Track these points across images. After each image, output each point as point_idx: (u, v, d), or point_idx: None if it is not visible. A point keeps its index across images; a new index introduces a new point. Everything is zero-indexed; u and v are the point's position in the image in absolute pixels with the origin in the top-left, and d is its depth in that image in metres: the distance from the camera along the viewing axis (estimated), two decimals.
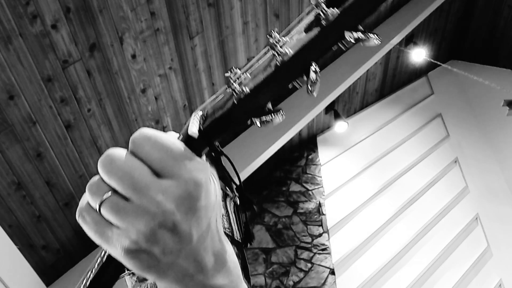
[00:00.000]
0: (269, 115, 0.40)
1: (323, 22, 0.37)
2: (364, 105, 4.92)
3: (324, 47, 0.39)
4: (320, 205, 4.02)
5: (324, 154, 4.43)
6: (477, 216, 3.98)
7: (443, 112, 4.91)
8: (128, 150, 0.37)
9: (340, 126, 4.38)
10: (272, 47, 0.40)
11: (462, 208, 4.01)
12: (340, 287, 3.48)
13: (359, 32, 0.37)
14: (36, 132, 2.30)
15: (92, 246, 2.85)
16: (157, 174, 0.36)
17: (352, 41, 0.37)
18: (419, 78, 5.30)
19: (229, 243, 0.44)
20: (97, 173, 0.38)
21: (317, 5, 0.39)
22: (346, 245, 3.72)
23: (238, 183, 0.47)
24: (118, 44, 2.41)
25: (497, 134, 4.51)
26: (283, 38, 0.41)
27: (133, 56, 2.51)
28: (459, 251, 3.74)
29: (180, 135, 0.41)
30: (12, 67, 2.07)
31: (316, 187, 4.17)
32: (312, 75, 0.39)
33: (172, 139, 0.38)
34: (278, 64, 0.39)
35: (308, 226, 3.91)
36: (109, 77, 2.46)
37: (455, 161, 4.43)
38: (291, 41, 0.40)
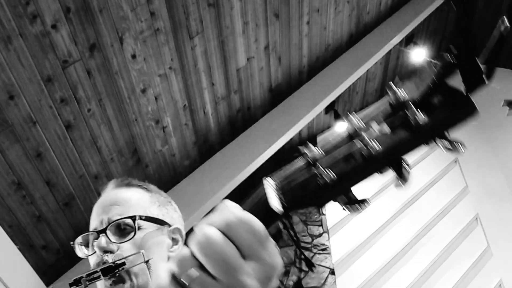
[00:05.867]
0: (354, 204, 0.43)
1: (412, 126, 0.39)
2: (364, 105, 4.92)
3: (412, 149, 0.41)
4: None
5: None
6: (477, 216, 3.97)
7: None
8: (222, 230, 0.40)
9: (340, 126, 4.37)
10: (360, 138, 0.42)
11: (462, 208, 4.01)
12: (340, 287, 3.48)
13: (447, 142, 0.39)
14: (36, 132, 2.30)
15: None
16: (243, 255, 0.40)
17: (440, 147, 0.40)
18: None
19: None
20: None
21: (404, 103, 0.40)
22: (346, 245, 3.72)
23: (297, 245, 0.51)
24: (118, 44, 2.41)
25: (497, 134, 4.51)
26: (365, 125, 0.43)
27: (133, 56, 2.51)
28: (459, 251, 3.73)
29: (251, 203, 0.45)
30: (12, 67, 2.07)
31: None
32: (405, 173, 0.41)
33: (258, 222, 0.41)
34: (365, 156, 0.41)
35: (308, 226, 3.91)
36: (109, 77, 2.46)
37: (455, 161, 4.43)
38: (373, 132, 0.42)
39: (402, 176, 0.40)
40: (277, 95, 3.66)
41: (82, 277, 0.74)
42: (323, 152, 0.45)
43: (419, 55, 4.65)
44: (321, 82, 3.81)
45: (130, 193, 0.95)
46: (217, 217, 0.41)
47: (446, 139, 0.39)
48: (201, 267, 0.39)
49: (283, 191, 0.45)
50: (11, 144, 2.24)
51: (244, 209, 0.44)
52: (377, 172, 0.42)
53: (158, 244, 0.90)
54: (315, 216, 3.95)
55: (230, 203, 0.43)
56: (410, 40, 4.69)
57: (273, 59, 3.42)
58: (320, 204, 0.43)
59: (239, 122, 3.47)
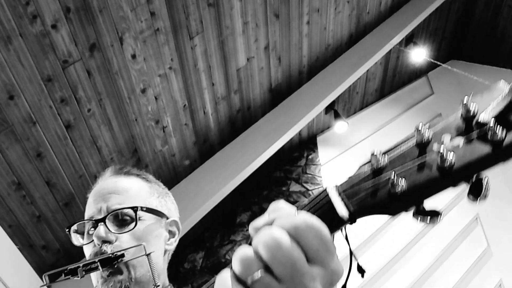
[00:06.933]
0: (427, 216, 0.41)
1: (492, 142, 0.38)
2: (364, 105, 4.91)
3: (491, 166, 0.39)
4: None
5: (324, 154, 4.43)
6: (477, 216, 3.97)
7: (443, 112, 4.90)
8: (290, 233, 0.40)
9: (340, 126, 4.37)
10: (435, 149, 0.41)
11: (462, 208, 4.01)
12: (340, 287, 3.48)
13: None
14: (36, 132, 2.30)
15: None
16: (308, 259, 0.40)
17: None
18: (419, 78, 5.30)
19: None
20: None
21: (483, 122, 0.39)
22: (345, 245, 3.72)
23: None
24: (118, 44, 2.41)
25: None
26: (436, 137, 0.42)
27: (133, 56, 2.51)
28: (459, 251, 3.73)
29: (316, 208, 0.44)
30: (12, 67, 2.07)
31: (316, 187, 4.17)
32: (485, 191, 0.39)
33: (325, 227, 0.41)
34: (442, 169, 0.40)
35: None
36: (109, 77, 2.46)
37: None
38: (446, 144, 0.41)
39: (480, 194, 0.39)
40: (277, 95, 3.66)
41: (78, 266, 0.71)
42: (389, 160, 0.44)
43: (419, 55, 4.66)
44: (321, 82, 3.81)
45: (130, 182, 0.92)
46: (285, 220, 0.41)
47: None
48: (265, 268, 0.39)
49: (349, 197, 0.44)
50: (11, 144, 2.24)
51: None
52: (452, 186, 0.41)
53: (157, 236, 0.87)
54: None
55: (283, 204, 0.43)
56: (410, 40, 4.69)
57: (273, 59, 3.42)
58: (390, 213, 0.43)
59: (239, 122, 3.47)
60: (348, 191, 0.45)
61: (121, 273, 0.79)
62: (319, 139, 4.58)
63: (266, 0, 3.09)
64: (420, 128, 0.42)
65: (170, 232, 0.93)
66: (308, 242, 0.39)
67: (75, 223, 0.86)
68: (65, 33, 2.18)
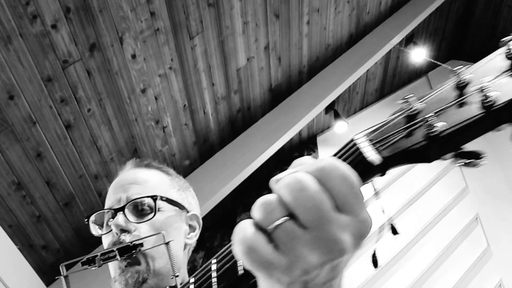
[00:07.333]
0: (467, 157, 0.38)
1: None
2: (364, 105, 4.91)
3: None
4: None
5: (324, 154, 4.43)
6: (477, 216, 3.97)
7: None
8: (315, 176, 0.36)
9: (340, 126, 4.37)
10: (477, 87, 0.36)
11: (462, 208, 4.01)
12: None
13: None
14: (36, 132, 2.30)
15: (92, 246, 2.86)
16: (336, 206, 0.36)
17: None
18: (419, 78, 5.30)
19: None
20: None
21: None
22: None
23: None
24: (118, 44, 2.41)
25: (497, 134, 4.50)
26: (484, 79, 0.38)
27: (133, 56, 2.51)
28: (459, 251, 3.73)
29: (346, 160, 0.40)
30: (12, 67, 2.07)
31: None
32: None
33: (354, 173, 0.37)
34: (485, 107, 0.36)
35: None
36: (109, 77, 2.46)
37: None
38: (490, 82, 0.37)
39: None
40: (277, 95, 3.66)
41: (96, 255, 0.69)
42: (424, 105, 0.39)
43: (419, 55, 4.66)
44: (321, 82, 3.81)
45: (150, 174, 0.91)
46: (311, 164, 0.36)
47: None
48: (289, 215, 0.35)
49: (381, 143, 0.40)
50: (11, 144, 2.24)
51: None
52: (494, 128, 0.36)
53: (176, 229, 0.86)
54: None
55: (308, 158, 0.39)
56: (410, 40, 4.69)
57: (273, 59, 3.42)
58: (427, 160, 0.38)
59: (239, 122, 3.47)
60: (379, 138, 0.40)
61: (139, 263, 0.77)
62: (319, 139, 4.58)
63: (266, 0, 3.09)
64: (458, 70, 0.39)
65: (190, 226, 0.92)
66: (336, 186, 0.35)
67: (94, 213, 0.85)
68: (65, 33, 2.18)
